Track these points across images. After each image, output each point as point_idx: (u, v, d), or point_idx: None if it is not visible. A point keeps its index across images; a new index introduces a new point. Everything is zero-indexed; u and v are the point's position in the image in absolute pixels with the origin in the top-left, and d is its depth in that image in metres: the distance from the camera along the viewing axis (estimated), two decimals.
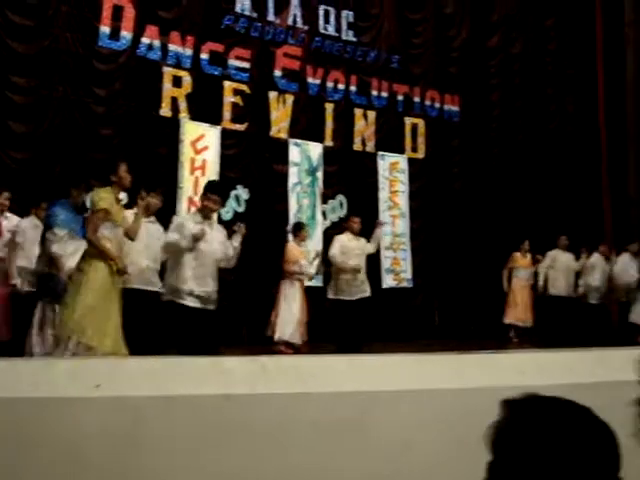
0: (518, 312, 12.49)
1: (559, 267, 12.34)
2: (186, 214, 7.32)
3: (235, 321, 10.68)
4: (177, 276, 6.69)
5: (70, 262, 7.15)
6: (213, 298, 6.87)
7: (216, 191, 7.15)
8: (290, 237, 10.62)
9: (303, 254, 10.14)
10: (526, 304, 12.59)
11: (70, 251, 7.22)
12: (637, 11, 15.37)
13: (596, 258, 12.40)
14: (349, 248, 9.47)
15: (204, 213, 6.96)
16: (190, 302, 6.67)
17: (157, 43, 10.53)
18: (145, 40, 10.44)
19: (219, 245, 6.94)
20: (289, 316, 9.81)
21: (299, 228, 10.36)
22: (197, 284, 6.70)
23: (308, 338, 9.91)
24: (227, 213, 10.86)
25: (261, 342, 10.01)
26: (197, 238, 6.59)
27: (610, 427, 1.30)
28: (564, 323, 11.67)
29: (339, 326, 9.34)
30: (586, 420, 1.30)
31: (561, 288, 12.28)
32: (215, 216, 10.29)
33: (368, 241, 9.71)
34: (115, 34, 10.22)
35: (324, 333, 9.77)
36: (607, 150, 15.29)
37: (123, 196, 7.05)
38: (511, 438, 1.29)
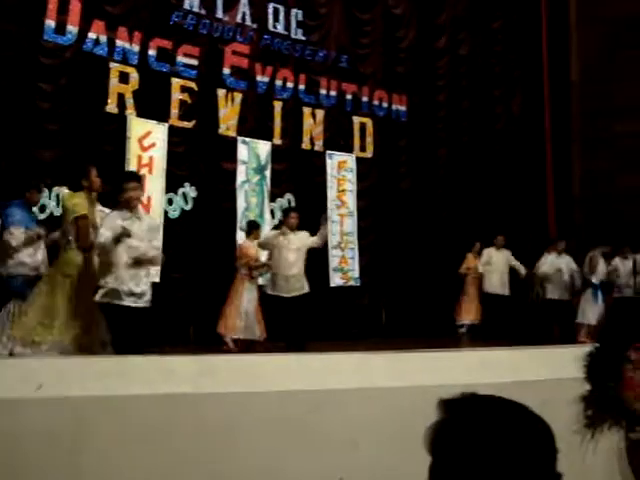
0: (470, 310, 12.79)
1: (494, 265, 12.66)
2: (112, 210, 7.01)
3: (182, 320, 10.61)
4: (115, 277, 6.50)
5: (29, 260, 7.28)
6: (148, 295, 6.74)
7: (132, 178, 6.98)
8: (242, 235, 10.62)
9: (260, 252, 10.13)
10: (475, 302, 12.90)
11: (29, 251, 7.35)
12: (581, 15, 15.64)
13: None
14: (283, 243, 9.51)
15: (129, 206, 6.69)
16: (129, 302, 6.52)
17: (104, 38, 10.37)
18: (92, 35, 10.27)
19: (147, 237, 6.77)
20: (245, 313, 9.80)
21: (255, 227, 10.36)
22: (134, 283, 6.56)
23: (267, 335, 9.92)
24: (174, 211, 10.79)
25: (208, 341, 9.97)
26: (117, 239, 6.41)
27: (546, 423, 1.32)
28: (499, 320, 12.02)
29: (283, 323, 9.38)
30: (522, 417, 1.32)
31: (496, 286, 12.62)
32: (160, 214, 10.26)
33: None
34: (61, 28, 10.02)
35: (277, 331, 9.80)
36: (552, 151, 15.53)
37: None
38: (449, 438, 1.30)
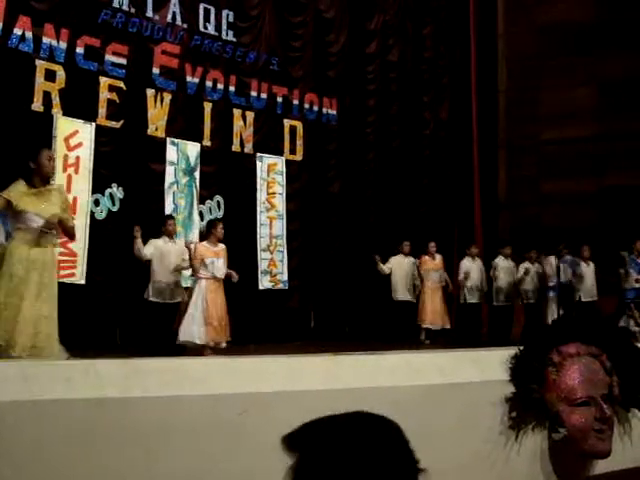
0: (431, 315, 12.79)
1: (401, 271, 12.76)
2: None
3: (107, 322, 10.46)
4: None
5: None
6: None
7: None
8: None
9: (214, 253, 9.80)
10: (439, 306, 12.92)
11: None
12: (508, 22, 15.95)
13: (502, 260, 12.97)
14: (164, 250, 9.52)
15: None
16: None
17: (30, 35, 10.14)
18: (17, 31, 10.03)
19: None
20: (193, 317, 9.54)
21: (212, 227, 10.17)
22: None
23: (231, 337, 9.77)
24: (101, 212, 10.62)
25: (135, 344, 9.85)
26: None
27: (395, 423, 1.33)
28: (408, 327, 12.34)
29: (152, 328, 9.28)
30: (372, 427, 1.32)
31: (401, 292, 12.71)
32: (86, 215, 10.09)
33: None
34: None
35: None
36: (479, 156, 15.81)
37: None
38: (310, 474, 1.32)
